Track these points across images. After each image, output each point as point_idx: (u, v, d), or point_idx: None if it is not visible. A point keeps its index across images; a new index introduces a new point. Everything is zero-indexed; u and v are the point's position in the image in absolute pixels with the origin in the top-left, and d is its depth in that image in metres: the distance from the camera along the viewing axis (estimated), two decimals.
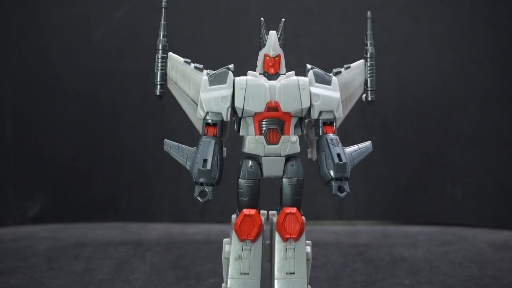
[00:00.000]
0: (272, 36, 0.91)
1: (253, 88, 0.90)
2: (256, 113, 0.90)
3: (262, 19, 0.93)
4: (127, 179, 1.94)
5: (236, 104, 0.90)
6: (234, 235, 0.91)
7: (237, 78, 0.92)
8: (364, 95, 0.99)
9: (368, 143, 0.95)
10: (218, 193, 1.90)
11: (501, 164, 1.87)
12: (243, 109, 0.90)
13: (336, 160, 0.89)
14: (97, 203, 1.93)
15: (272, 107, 0.90)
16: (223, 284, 0.94)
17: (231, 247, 0.91)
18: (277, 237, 0.91)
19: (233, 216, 0.94)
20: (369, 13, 1.01)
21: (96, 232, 1.75)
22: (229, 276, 0.90)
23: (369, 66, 0.98)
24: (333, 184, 0.89)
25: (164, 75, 0.94)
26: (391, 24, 1.92)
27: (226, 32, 1.92)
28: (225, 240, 0.94)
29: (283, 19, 0.93)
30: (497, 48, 1.88)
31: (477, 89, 1.89)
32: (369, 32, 0.99)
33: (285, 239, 0.90)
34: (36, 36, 1.91)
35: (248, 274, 0.90)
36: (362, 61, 0.99)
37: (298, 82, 0.91)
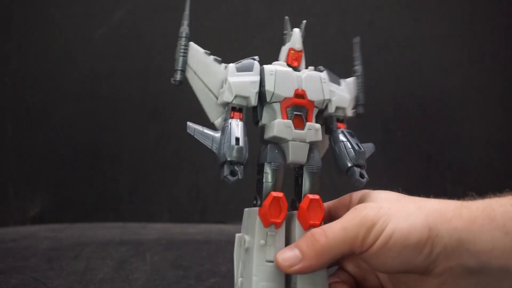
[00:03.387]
0: (297, 32, 0.97)
1: (282, 75, 0.94)
2: (284, 99, 0.93)
3: (287, 17, 0.98)
4: (127, 179, 1.94)
5: (267, 88, 0.93)
6: (258, 223, 0.89)
7: (265, 66, 0.95)
8: (354, 110, 1.05)
9: (371, 144, 1.02)
10: (218, 194, 1.92)
11: (501, 164, 1.87)
12: (273, 93, 0.93)
13: (357, 148, 0.95)
14: (97, 203, 1.93)
15: (299, 94, 0.94)
16: (240, 279, 0.91)
17: (256, 234, 0.89)
18: (297, 227, 0.91)
19: (246, 210, 0.93)
20: (355, 39, 1.08)
21: (96, 232, 1.75)
22: (254, 264, 0.88)
23: (360, 83, 1.05)
24: (355, 169, 0.94)
25: (185, 62, 0.96)
26: (391, 24, 1.92)
27: (226, 32, 1.92)
28: (238, 235, 0.92)
29: (304, 21, 0.99)
30: (497, 48, 1.89)
31: (477, 89, 1.90)
32: (356, 54, 1.07)
33: (307, 227, 0.90)
34: (36, 36, 1.92)
35: (273, 262, 0.88)
36: (353, 78, 1.06)
37: (320, 76, 0.97)
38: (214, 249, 1.53)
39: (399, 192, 0.95)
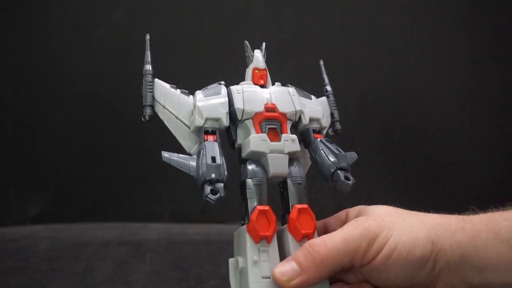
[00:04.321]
0: (259, 52, 1.01)
1: (249, 92, 0.95)
2: (256, 114, 0.93)
3: (246, 41, 1.02)
4: (127, 179, 1.94)
5: (236, 106, 0.93)
6: (248, 240, 0.86)
7: (232, 86, 0.96)
8: (330, 129, 1.07)
9: (353, 153, 0.98)
10: None
11: (501, 164, 1.87)
12: (243, 110, 0.93)
13: (337, 152, 0.94)
14: (97, 203, 1.93)
15: (270, 108, 0.94)
16: None
17: (248, 252, 0.86)
18: (290, 240, 0.89)
19: (235, 232, 0.92)
20: (321, 61, 1.12)
21: (96, 232, 1.75)
22: (250, 281, 0.84)
23: (332, 101, 1.08)
24: (339, 172, 0.91)
25: (152, 97, 0.99)
26: (391, 24, 1.92)
27: (226, 32, 1.91)
28: (231, 259, 0.89)
29: (264, 43, 1.03)
30: (497, 48, 1.88)
31: (477, 89, 1.89)
32: (324, 75, 1.11)
33: (300, 238, 0.88)
34: (36, 36, 1.91)
35: (269, 278, 0.84)
36: (324, 98, 1.09)
37: (288, 89, 0.98)
38: (214, 250, 1.53)
39: (397, 206, 0.93)
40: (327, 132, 1.05)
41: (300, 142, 0.98)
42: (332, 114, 1.07)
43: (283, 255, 0.88)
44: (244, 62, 1.01)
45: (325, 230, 0.96)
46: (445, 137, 1.90)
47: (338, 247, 0.81)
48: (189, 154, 0.94)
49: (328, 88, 1.10)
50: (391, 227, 0.81)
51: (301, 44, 1.89)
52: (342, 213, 0.97)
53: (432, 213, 0.89)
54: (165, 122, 0.98)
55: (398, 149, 1.89)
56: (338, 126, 1.07)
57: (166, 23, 1.91)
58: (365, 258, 0.81)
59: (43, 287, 1.19)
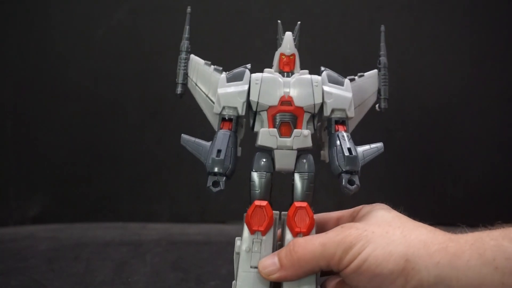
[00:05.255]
0: (288, 36, 0.96)
1: (267, 83, 0.94)
2: (270, 107, 0.93)
3: (279, 21, 0.98)
4: (127, 179, 1.94)
5: (251, 98, 0.93)
6: (245, 228, 0.91)
7: (253, 75, 0.95)
8: (377, 104, 1.03)
9: (380, 144, 0.98)
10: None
11: (501, 164, 1.87)
12: (257, 102, 0.93)
13: (347, 153, 0.92)
14: (97, 203, 1.93)
15: (286, 101, 0.93)
16: (234, 282, 0.92)
17: (243, 241, 0.91)
18: (287, 233, 0.92)
19: (245, 215, 0.94)
20: (382, 27, 1.05)
21: (96, 232, 1.75)
22: (239, 269, 0.90)
23: (382, 76, 1.02)
24: (343, 176, 0.91)
25: (186, 75, 0.99)
26: (391, 24, 1.91)
27: (226, 32, 1.91)
28: (237, 238, 0.94)
29: (299, 22, 0.98)
30: (497, 48, 1.88)
31: (477, 89, 1.89)
32: (382, 44, 1.04)
33: (295, 234, 0.91)
34: (37, 36, 1.91)
35: (258, 267, 0.90)
36: (375, 70, 1.03)
37: (312, 79, 0.95)
38: (214, 250, 1.53)
39: (397, 206, 0.93)
40: (373, 107, 1.02)
41: (325, 130, 0.98)
42: (379, 91, 1.02)
43: (283, 245, 0.92)
44: (275, 44, 0.98)
45: (337, 222, 0.99)
46: (445, 137, 1.90)
47: (315, 251, 0.85)
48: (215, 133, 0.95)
49: (383, 59, 1.03)
50: (370, 238, 0.82)
51: (301, 43, 1.89)
52: (357, 209, 0.98)
53: (431, 215, 0.89)
54: (196, 100, 0.99)
55: (398, 149, 1.89)
56: (383, 104, 1.02)
57: (166, 23, 1.91)
58: (340, 265, 0.83)
59: (43, 287, 1.19)
